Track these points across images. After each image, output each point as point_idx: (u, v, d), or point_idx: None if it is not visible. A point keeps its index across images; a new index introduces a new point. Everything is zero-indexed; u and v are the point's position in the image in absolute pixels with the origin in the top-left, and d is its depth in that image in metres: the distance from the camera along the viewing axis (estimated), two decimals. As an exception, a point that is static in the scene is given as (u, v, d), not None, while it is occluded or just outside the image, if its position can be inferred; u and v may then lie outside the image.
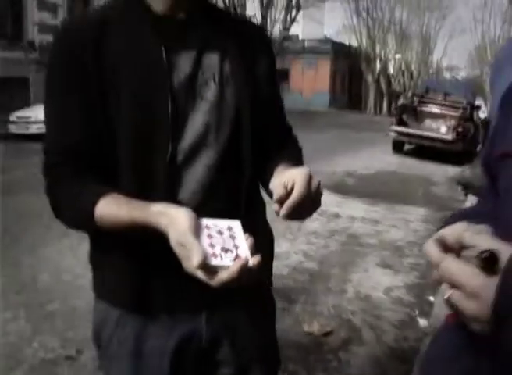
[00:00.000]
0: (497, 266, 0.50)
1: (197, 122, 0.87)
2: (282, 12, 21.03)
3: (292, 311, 3.05)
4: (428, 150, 10.95)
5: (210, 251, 0.72)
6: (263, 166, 0.95)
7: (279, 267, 3.48)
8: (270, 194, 0.86)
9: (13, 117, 11.25)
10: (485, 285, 0.49)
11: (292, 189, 0.79)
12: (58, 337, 2.64)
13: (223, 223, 0.77)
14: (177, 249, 0.73)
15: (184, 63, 0.87)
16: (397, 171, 9.13)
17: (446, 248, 0.56)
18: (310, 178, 0.80)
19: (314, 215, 0.87)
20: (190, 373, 0.98)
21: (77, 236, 4.17)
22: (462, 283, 0.51)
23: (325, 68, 30.26)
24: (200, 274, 0.71)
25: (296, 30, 26.51)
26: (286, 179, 0.80)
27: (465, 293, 0.51)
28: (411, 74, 33.40)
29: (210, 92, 0.89)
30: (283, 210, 0.77)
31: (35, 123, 10.84)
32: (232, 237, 0.75)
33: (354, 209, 5.75)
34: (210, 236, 0.74)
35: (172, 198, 0.85)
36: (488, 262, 0.51)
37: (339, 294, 3.40)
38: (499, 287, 0.48)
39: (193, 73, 0.87)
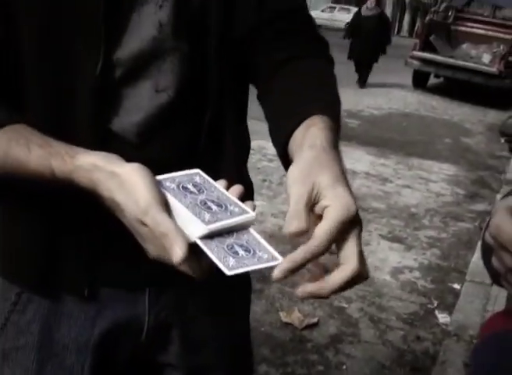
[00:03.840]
0: None
1: (145, 19, 0.86)
2: None
3: (266, 294, 3.11)
4: (461, 86, 11.03)
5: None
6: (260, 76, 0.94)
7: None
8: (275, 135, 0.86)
9: None
10: None
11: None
12: None
13: (183, 178, 0.77)
14: (139, 229, 0.71)
15: None
16: (417, 113, 9.32)
17: None
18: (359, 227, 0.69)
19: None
20: None
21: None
22: None
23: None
24: (184, 266, 0.69)
25: None
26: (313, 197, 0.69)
27: None
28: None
29: None
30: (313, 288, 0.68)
31: None
32: (210, 196, 0.74)
33: (357, 161, 5.90)
34: (182, 202, 0.72)
35: (102, 130, 0.85)
36: None
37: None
38: None
39: None
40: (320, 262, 0.70)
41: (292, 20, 0.96)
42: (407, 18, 35.80)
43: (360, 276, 0.69)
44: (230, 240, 0.69)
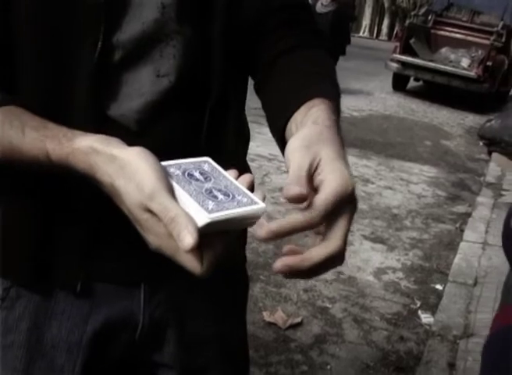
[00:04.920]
0: None
1: (147, 0, 0.84)
2: None
3: (249, 293, 3.09)
4: (441, 89, 11.14)
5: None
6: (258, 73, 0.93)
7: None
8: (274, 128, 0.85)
9: None
10: None
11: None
12: None
13: (190, 165, 0.73)
14: (139, 217, 0.67)
15: None
16: (397, 115, 9.37)
17: None
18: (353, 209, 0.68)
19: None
20: None
21: None
22: None
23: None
24: (187, 259, 0.65)
25: None
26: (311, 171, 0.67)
27: None
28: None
29: None
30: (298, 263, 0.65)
31: None
32: (217, 185, 0.70)
33: (338, 162, 5.89)
34: (185, 189, 0.67)
35: (100, 115, 0.83)
36: None
37: (314, 273, 3.57)
38: None
39: None
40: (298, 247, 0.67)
41: (295, 12, 0.95)
42: (386, 22, 36.12)
43: (339, 257, 0.67)
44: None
